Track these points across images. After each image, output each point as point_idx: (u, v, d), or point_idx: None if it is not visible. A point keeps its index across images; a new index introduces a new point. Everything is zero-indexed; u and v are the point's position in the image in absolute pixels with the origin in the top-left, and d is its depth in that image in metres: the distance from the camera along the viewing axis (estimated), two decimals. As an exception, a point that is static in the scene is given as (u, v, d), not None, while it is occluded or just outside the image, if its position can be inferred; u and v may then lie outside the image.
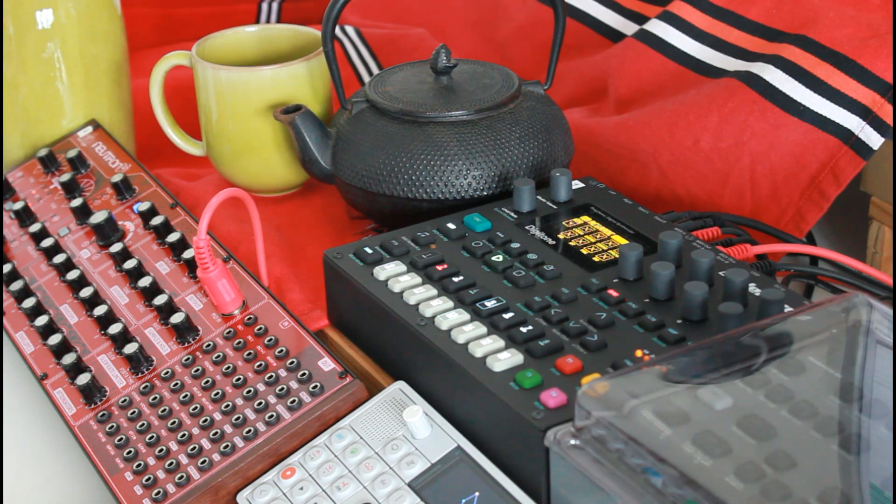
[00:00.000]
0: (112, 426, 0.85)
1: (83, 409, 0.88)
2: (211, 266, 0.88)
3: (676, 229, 0.87)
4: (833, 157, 0.97)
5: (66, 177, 1.08)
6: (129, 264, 0.96)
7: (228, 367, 0.86)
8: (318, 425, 0.81)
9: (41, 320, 0.95)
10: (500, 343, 0.77)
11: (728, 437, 0.64)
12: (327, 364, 0.83)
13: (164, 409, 0.85)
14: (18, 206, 1.07)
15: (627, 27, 1.20)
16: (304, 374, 0.83)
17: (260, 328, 0.87)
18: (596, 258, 0.85)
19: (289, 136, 1.05)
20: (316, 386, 0.82)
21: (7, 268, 1.02)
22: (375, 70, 1.33)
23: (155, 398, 0.86)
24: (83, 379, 0.88)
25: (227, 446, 0.81)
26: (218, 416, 0.83)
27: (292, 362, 0.84)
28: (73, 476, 0.89)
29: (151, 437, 0.83)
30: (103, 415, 0.87)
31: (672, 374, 0.69)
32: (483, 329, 0.78)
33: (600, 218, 0.91)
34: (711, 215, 0.96)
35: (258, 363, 0.85)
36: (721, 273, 0.81)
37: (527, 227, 0.90)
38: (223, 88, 1.05)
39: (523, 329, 0.77)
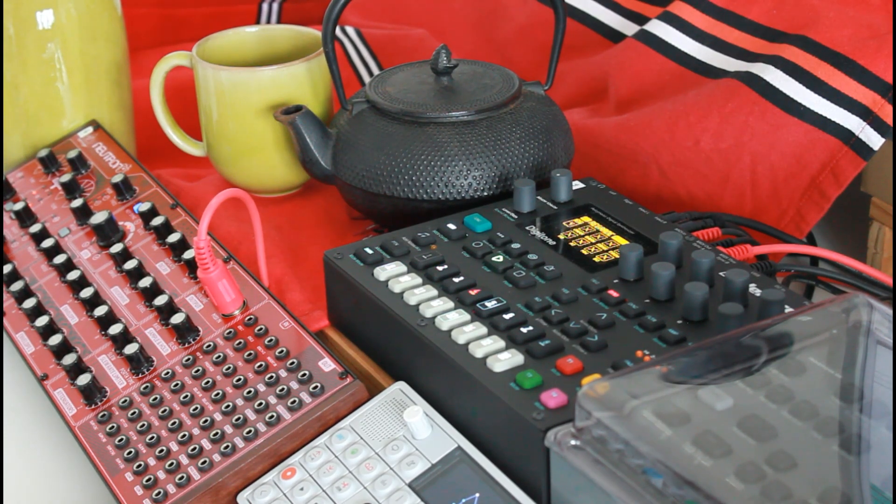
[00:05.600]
0: (112, 427, 0.86)
1: (83, 409, 0.88)
2: (211, 266, 0.88)
3: (677, 230, 0.87)
4: (833, 158, 0.97)
5: (66, 177, 1.08)
6: (130, 265, 0.96)
7: (229, 368, 0.86)
8: (319, 426, 0.81)
9: (41, 321, 0.95)
10: (501, 343, 0.77)
11: (728, 438, 0.64)
12: (328, 364, 0.83)
13: (165, 410, 0.85)
14: (19, 206, 1.07)
15: (627, 27, 1.20)
16: (304, 374, 0.83)
17: (260, 329, 0.87)
18: (596, 259, 0.86)
19: (289, 136, 1.05)
20: (316, 386, 0.82)
21: (7, 268, 1.02)
22: (376, 70, 1.33)
23: (155, 399, 0.86)
24: (83, 379, 0.88)
25: (227, 447, 0.81)
26: (218, 417, 0.83)
27: (293, 363, 0.84)
28: (73, 476, 0.89)
29: (152, 438, 0.83)
30: (104, 415, 0.87)
31: (672, 374, 0.69)
32: (483, 329, 0.78)
33: (601, 218, 0.91)
34: (712, 216, 0.96)
35: (258, 364, 0.85)
36: (721, 273, 0.81)
37: (527, 228, 0.90)
38: (224, 89, 1.05)
39: (524, 329, 0.77)
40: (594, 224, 0.90)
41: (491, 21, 1.32)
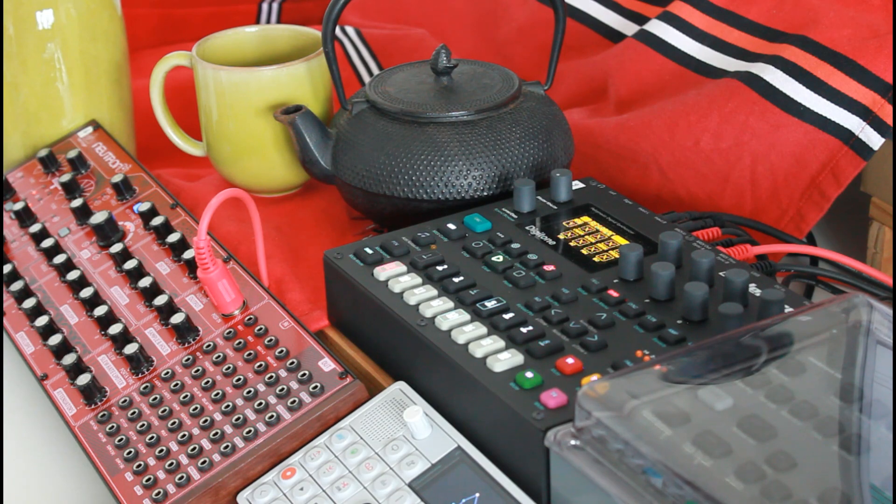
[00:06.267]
0: (112, 426, 0.86)
1: (83, 409, 0.88)
2: (211, 266, 0.88)
3: (677, 230, 0.87)
4: (833, 158, 0.97)
5: (66, 177, 1.08)
6: (130, 265, 0.96)
7: (229, 368, 0.86)
8: (319, 426, 0.81)
9: (41, 321, 0.95)
10: (501, 343, 0.77)
11: (728, 438, 0.64)
12: (327, 364, 0.83)
13: (165, 410, 0.85)
14: (19, 206, 1.07)
15: (627, 27, 1.20)
16: (304, 374, 0.83)
17: (260, 328, 0.87)
18: (596, 258, 0.86)
19: (289, 136, 1.05)
20: (316, 386, 0.82)
21: (7, 268, 1.02)
22: (375, 70, 1.33)
23: (155, 398, 0.86)
24: (83, 379, 0.88)
25: (227, 447, 0.81)
26: (218, 417, 0.83)
27: (292, 363, 0.84)
28: (73, 476, 0.89)
29: (152, 438, 0.83)
30: (103, 415, 0.87)
31: (672, 374, 0.69)
32: (483, 329, 0.78)
33: (600, 218, 0.91)
34: (712, 216, 0.96)
35: (258, 363, 0.85)
36: (721, 273, 0.81)
37: (527, 228, 0.90)
38: (223, 89, 1.05)
39: (523, 329, 0.77)
40: (594, 224, 0.90)
41: (491, 21, 1.32)
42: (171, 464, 0.81)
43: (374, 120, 0.98)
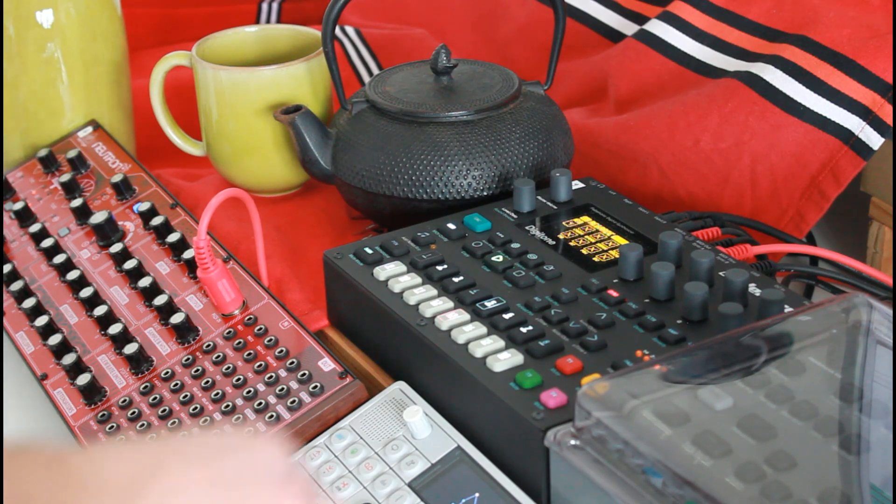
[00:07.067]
0: (112, 426, 0.85)
1: (83, 409, 0.88)
2: (211, 266, 0.88)
3: (676, 229, 0.87)
4: (833, 158, 0.97)
5: (66, 177, 1.08)
6: (129, 264, 0.96)
7: (228, 368, 0.86)
8: (318, 425, 0.81)
9: (41, 320, 0.95)
10: (500, 343, 0.77)
11: (728, 438, 0.64)
12: (327, 364, 0.83)
13: (164, 410, 0.85)
14: (18, 206, 1.07)
15: (627, 27, 1.20)
16: (304, 374, 0.83)
17: (260, 328, 0.87)
18: (596, 258, 0.85)
19: (289, 136, 1.05)
20: (316, 386, 0.82)
21: (7, 268, 1.02)
22: (375, 70, 1.33)
23: (155, 398, 0.86)
24: (83, 379, 0.88)
25: (227, 446, 0.80)
26: (218, 417, 0.83)
27: (292, 362, 0.84)
28: (74, 476, 0.88)
29: (151, 438, 0.83)
30: (103, 415, 0.87)
31: (672, 374, 0.69)
32: (483, 329, 0.78)
33: (600, 218, 0.91)
34: (711, 215, 0.96)
35: (258, 363, 0.85)
36: (721, 273, 0.81)
37: (527, 228, 0.90)
38: (223, 89, 1.05)
39: (523, 329, 0.77)
40: (594, 224, 0.90)
41: (491, 21, 1.32)
42: (171, 464, 0.81)
43: (373, 120, 0.98)
